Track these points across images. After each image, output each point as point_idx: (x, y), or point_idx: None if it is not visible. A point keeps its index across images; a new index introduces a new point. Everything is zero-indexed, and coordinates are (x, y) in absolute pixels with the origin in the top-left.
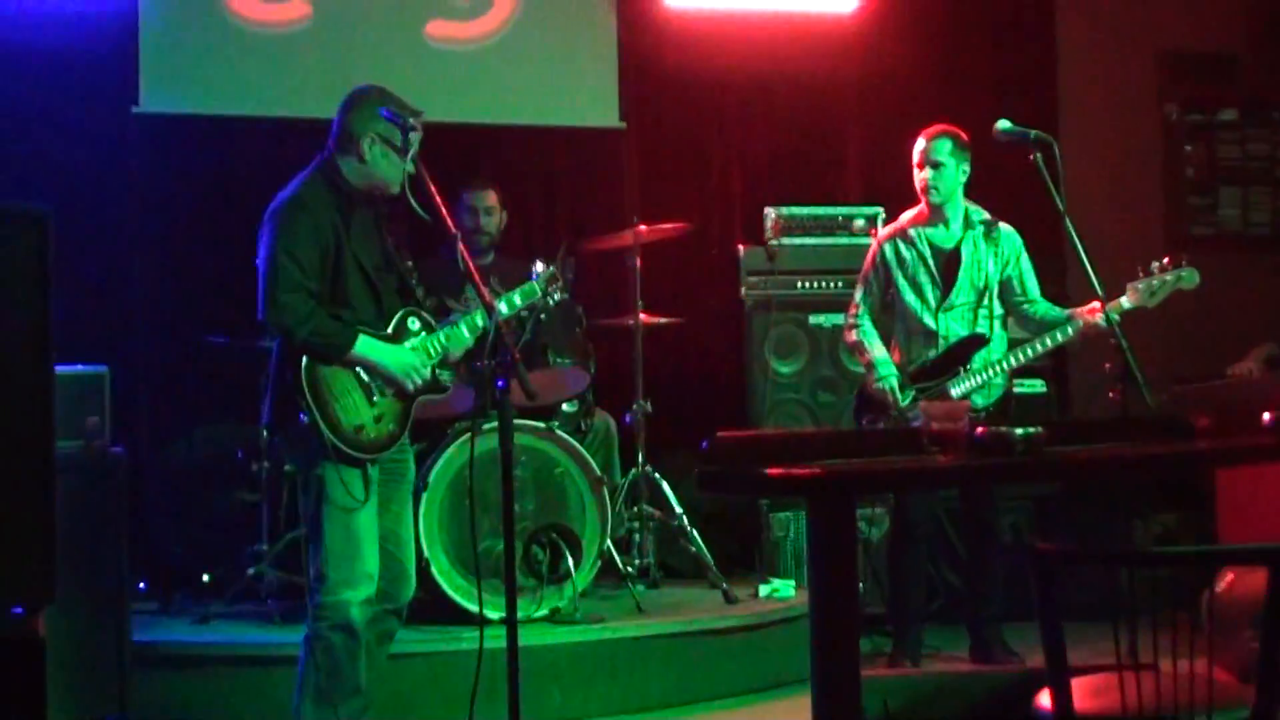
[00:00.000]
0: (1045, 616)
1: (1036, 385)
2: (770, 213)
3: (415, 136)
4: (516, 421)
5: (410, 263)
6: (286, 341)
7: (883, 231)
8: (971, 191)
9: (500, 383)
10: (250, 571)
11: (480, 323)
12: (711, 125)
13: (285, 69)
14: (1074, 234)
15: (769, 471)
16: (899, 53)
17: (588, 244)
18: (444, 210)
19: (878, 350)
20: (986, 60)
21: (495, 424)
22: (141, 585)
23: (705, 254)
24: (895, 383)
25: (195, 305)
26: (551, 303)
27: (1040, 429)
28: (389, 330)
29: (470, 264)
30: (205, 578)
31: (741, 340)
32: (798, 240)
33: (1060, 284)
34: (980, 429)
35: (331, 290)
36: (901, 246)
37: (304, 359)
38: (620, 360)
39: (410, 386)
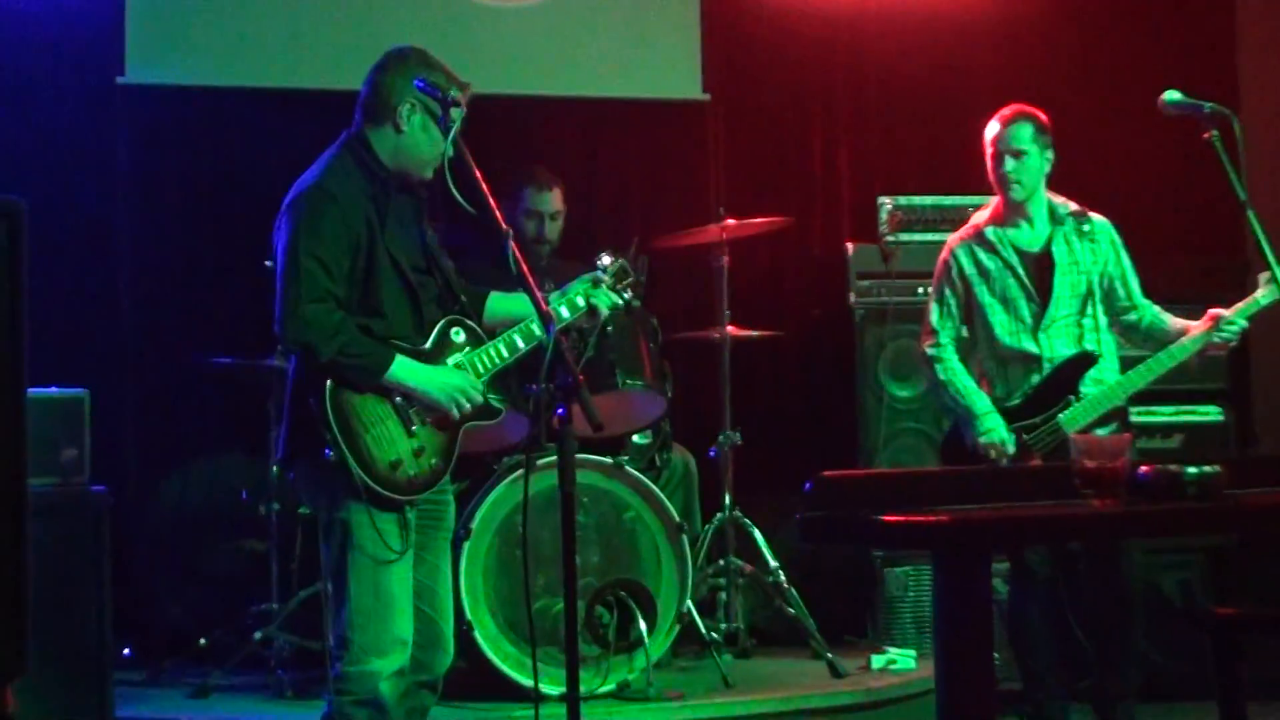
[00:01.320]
0: (1225, 696)
1: (1210, 412)
2: (886, 203)
3: (458, 113)
4: (579, 456)
5: (452, 263)
6: (308, 361)
7: (952, 236)
8: (1131, 180)
9: (560, 409)
10: (257, 636)
11: (537, 334)
12: (815, 98)
13: (297, 32)
14: (1258, 227)
15: (885, 518)
16: (1044, 17)
17: (663, 240)
18: (493, 201)
19: (973, 393)
20: (1150, 28)
21: (553, 459)
22: (126, 651)
23: (806, 253)
24: (1005, 433)
25: (192, 316)
26: (621, 303)
27: (1217, 467)
28: (428, 345)
29: (525, 266)
30: (202, 642)
31: (850, 358)
32: (919, 236)
33: (1239, 286)
34: (1145, 467)
35: (362, 296)
36: (980, 254)
37: (329, 382)
38: (703, 382)
39: (456, 413)
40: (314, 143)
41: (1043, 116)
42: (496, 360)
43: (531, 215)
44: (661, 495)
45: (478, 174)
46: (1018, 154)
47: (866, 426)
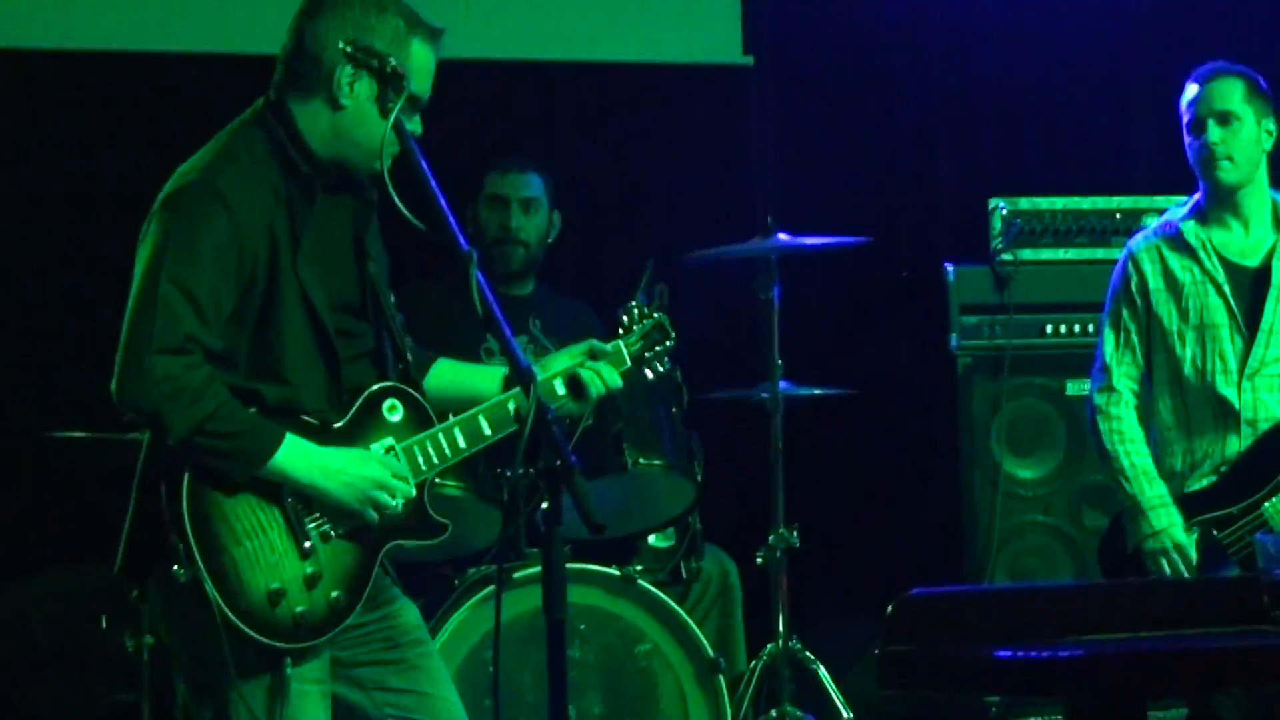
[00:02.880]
0: None
1: None
2: (1001, 208)
3: (410, 83)
4: (573, 567)
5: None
6: (156, 437)
7: (1137, 237)
8: None
9: (545, 503)
10: None
11: (511, 406)
12: (898, 67)
13: None
14: None
15: (999, 654)
16: None
17: (690, 262)
18: (447, 209)
19: (1145, 473)
20: None
21: (536, 571)
22: None
23: (889, 279)
24: (1182, 535)
25: (31, 376)
26: (656, 374)
27: None
28: (343, 421)
29: (491, 299)
30: None
31: (952, 424)
32: (1047, 254)
33: None
34: None
35: (254, 347)
36: (1171, 259)
37: (186, 474)
38: (747, 461)
39: (373, 515)
40: (205, 122)
41: (1257, 76)
42: (447, 451)
43: (494, 203)
44: (688, 619)
45: (427, 173)
46: (1225, 118)
47: (975, 521)
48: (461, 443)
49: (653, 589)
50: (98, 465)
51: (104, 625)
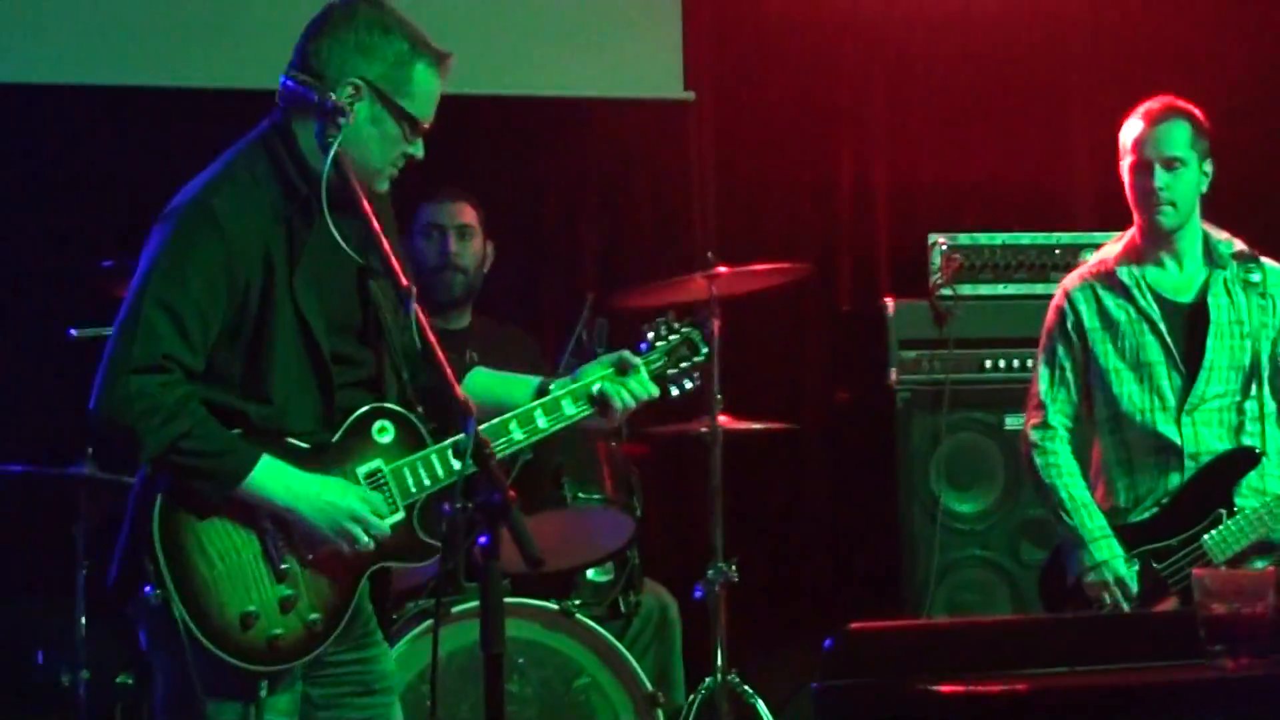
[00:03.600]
0: None
1: None
2: (940, 243)
3: (411, 106)
4: (510, 601)
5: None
6: (130, 454)
7: (1070, 275)
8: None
9: (482, 538)
10: None
11: (570, 407)
12: (841, 101)
13: (157, 20)
14: None
15: (939, 688)
16: None
17: (629, 298)
18: (385, 241)
19: (1084, 506)
20: None
21: (473, 605)
22: None
23: (828, 313)
24: (1122, 568)
25: None
26: (682, 391)
27: None
28: (334, 439)
29: (427, 330)
30: None
31: (891, 459)
32: (985, 289)
33: None
34: None
35: (246, 368)
36: (1107, 299)
37: (159, 494)
38: (686, 496)
39: (345, 547)
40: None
41: (1200, 114)
42: (440, 473)
43: (430, 231)
44: (627, 654)
45: (364, 203)
46: (1171, 163)
47: (914, 556)
48: (456, 464)
49: (591, 623)
50: (30, 499)
51: (40, 660)
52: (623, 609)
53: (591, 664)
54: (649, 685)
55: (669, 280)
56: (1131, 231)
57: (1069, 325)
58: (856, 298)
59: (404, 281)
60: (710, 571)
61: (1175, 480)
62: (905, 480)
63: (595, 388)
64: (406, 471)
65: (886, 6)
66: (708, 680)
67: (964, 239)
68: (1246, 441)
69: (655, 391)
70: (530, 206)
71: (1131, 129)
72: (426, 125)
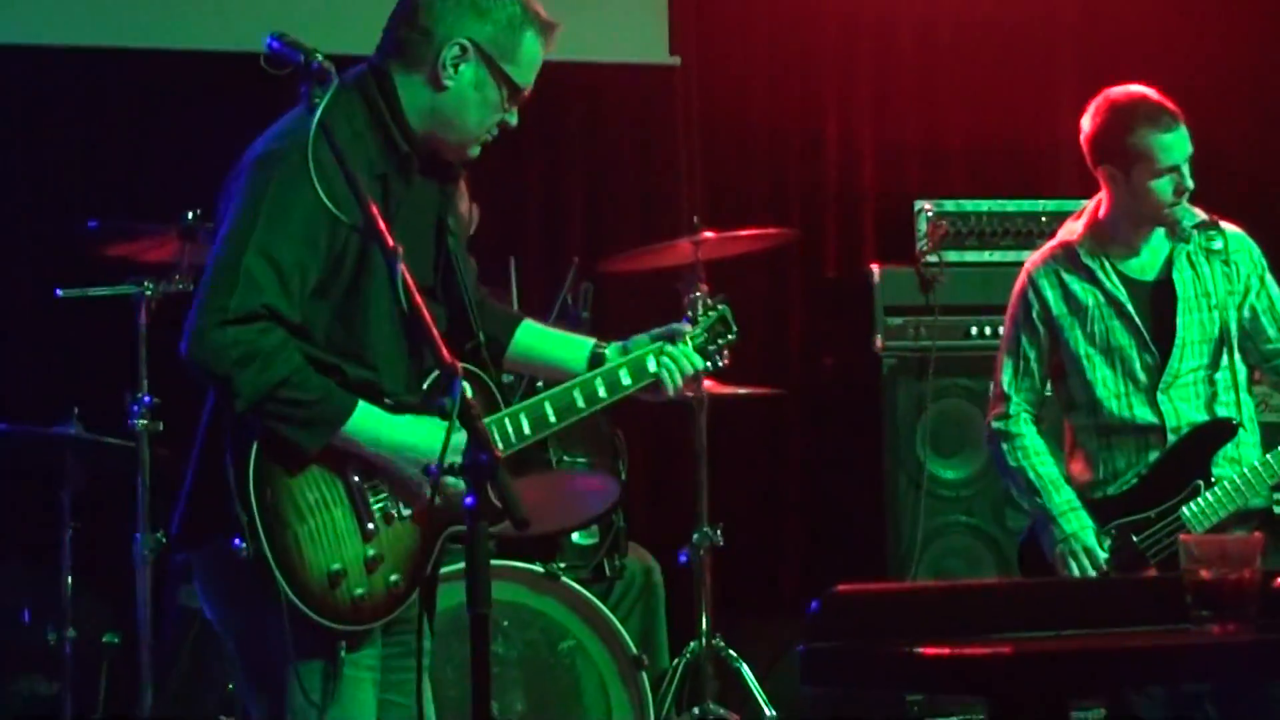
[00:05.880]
0: None
1: None
2: (926, 209)
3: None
4: (496, 563)
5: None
6: (223, 402)
7: (1031, 256)
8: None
9: (469, 499)
10: None
11: (592, 397)
12: (827, 68)
13: None
14: None
15: (923, 651)
16: None
17: (615, 262)
18: (373, 205)
19: (1051, 482)
20: None
21: (459, 568)
22: None
23: (814, 279)
24: (1091, 539)
25: None
26: (716, 367)
27: None
28: (416, 402)
29: (415, 294)
30: None
31: (877, 425)
32: (971, 255)
33: None
34: None
35: (337, 320)
36: (1072, 282)
37: (256, 442)
38: (671, 459)
39: (436, 498)
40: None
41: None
42: (512, 437)
43: None
44: (611, 617)
45: (347, 169)
46: (1189, 160)
47: (898, 522)
48: (526, 428)
49: (576, 586)
50: (16, 459)
51: (26, 619)
52: (607, 572)
53: (576, 626)
54: (634, 649)
55: (654, 245)
56: (1091, 207)
57: (1034, 315)
58: (842, 264)
59: (389, 242)
60: (695, 536)
61: (1155, 456)
62: (890, 446)
63: (650, 364)
64: (495, 427)
65: None
66: (692, 644)
67: (950, 205)
68: (1221, 412)
69: (703, 365)
70: (515, 172)
71: (1159, 137)
72: (526, 94)
